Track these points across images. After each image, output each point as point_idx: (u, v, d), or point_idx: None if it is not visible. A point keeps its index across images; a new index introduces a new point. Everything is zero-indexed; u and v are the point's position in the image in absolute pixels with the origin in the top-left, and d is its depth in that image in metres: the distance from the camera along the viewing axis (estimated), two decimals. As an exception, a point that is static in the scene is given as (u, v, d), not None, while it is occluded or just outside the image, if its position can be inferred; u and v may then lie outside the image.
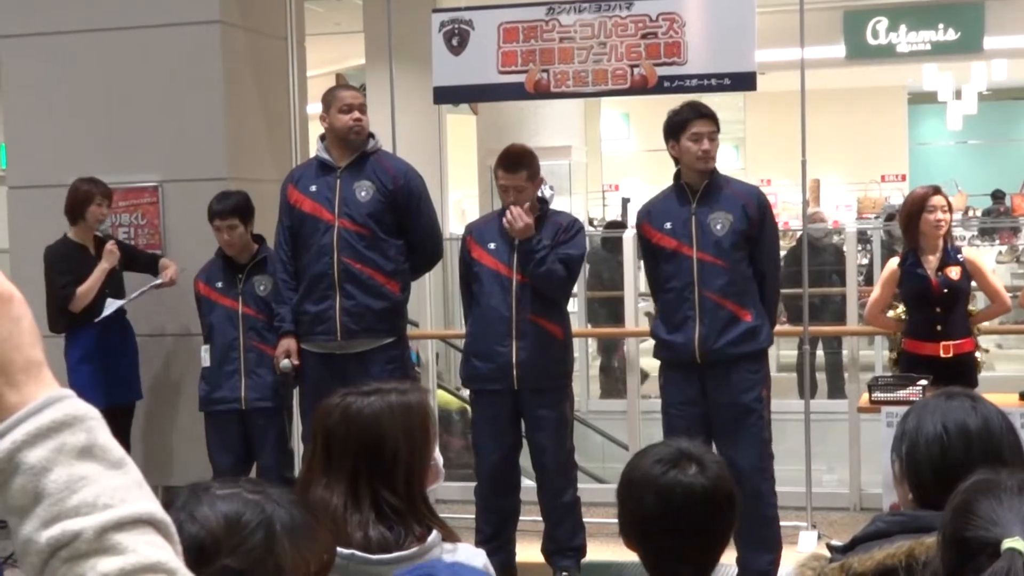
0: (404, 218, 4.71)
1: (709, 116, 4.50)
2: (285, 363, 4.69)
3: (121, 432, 5.13)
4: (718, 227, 4.44)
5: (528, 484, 4.90)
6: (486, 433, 4.71)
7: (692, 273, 4.44)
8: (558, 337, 4.66)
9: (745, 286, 4.47)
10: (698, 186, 4.49)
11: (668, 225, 4.50)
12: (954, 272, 4.92)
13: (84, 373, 5.09)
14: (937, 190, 5.05)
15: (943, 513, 1.30)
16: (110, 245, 5.15)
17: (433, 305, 6.69)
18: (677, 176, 4.59)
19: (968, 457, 1.80)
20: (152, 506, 0.92)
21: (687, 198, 4.50)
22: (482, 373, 4.65)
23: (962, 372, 4.82)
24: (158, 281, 5.23)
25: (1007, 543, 1.19)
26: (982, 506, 1.25)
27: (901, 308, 5.12)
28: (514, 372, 4.56)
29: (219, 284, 4.98)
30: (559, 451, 4.67)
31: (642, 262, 4.90)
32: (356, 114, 4.64)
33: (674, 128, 4.50)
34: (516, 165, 4.60)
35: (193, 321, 5.19)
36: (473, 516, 4.72)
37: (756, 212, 4.52)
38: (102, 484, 0.90)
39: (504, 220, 4.58)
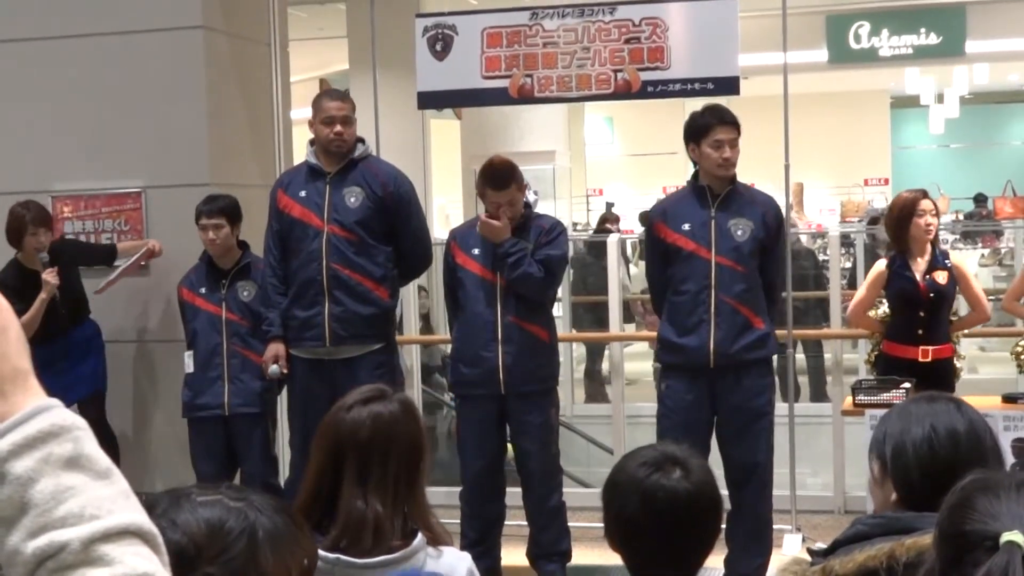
0: (394, 223, 4.71)
1: (732, 123, 4.44)
2: (274, 369, 4.68)
3: (94, 423, 5.10)
4: (739, 233, 4.42)
5: (513, 489, 4.90)
6: (471, 438, 4.70)
7: (709, 276, 4.40)
8: (544, 341, 4.65)
9: (758, 293, 4.47)
10: (719, 190, 4.46)
11: (687, 227, 4.45)
12: (941, 277, 4.93)
13: None
14: (925, 194, 5.07)
15: (940, 511, 1.30)
16: (46, 275, 5.05)
17: (416, 310, 6.68)
18: (695, 177, 4.55)
19: (956, 458, 1.80)
20: (139, 517, 0.92)
21: (707, 201, 4.46)
22: (468, 378, 4.64)
23: (940, 377, 4.82)
24: (138, 255, 5.20)
25: (1006, 536, 1.20)
26: (981, 502, 1.25)
27: (883, 309, 5.12)
28: (500, 377, 4.56)
29: (203, 290, 4.96)
30: (544, 456, 4.67)
31: (644, 260, 4.82)
32: (338, 127, 4.62)
33: (695, 132, 4.45)
34: (504, 181, 4.53)
35: (176, 327, 5.17)
36: (458, 521, 4.72)
37: (774, 221, 4.52)
38: (89, 495, 0.90)
39: (477, 228, 4.59)
